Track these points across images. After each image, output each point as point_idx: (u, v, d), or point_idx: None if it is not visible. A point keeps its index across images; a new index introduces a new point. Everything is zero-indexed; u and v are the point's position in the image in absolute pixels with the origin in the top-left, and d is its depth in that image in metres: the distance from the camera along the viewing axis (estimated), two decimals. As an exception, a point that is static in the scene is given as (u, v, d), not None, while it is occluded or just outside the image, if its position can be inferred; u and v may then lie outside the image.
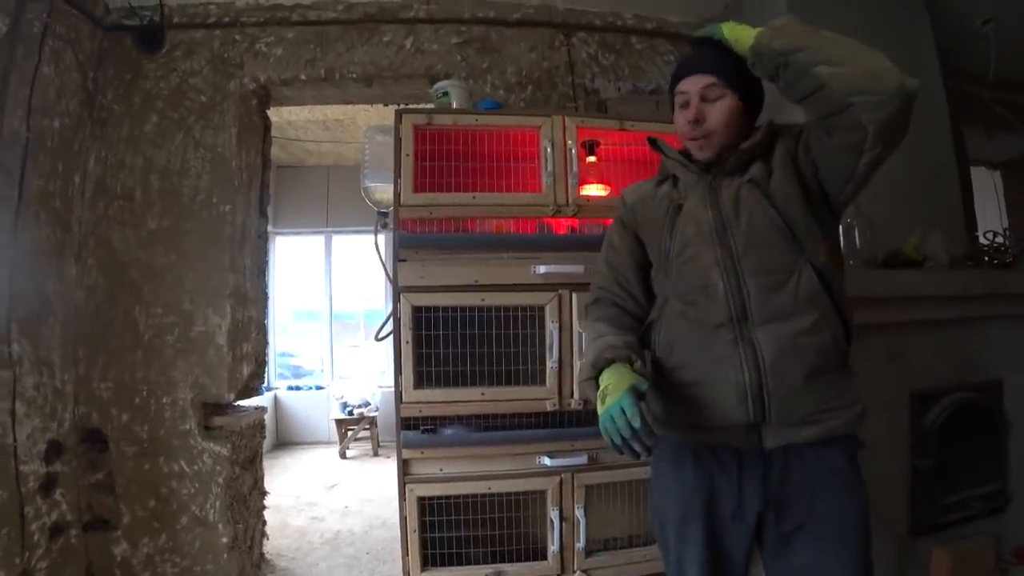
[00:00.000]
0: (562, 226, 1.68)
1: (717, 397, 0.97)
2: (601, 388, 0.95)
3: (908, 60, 2.11)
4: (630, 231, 1.17)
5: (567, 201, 1.63)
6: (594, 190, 1.78)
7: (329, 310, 5.24)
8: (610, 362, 0.97)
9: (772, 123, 1.03)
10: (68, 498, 1.92)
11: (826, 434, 0.94)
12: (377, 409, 4.58)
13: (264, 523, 2.45)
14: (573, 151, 1.64)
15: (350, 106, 3.12)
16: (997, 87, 2.46)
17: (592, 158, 1.81)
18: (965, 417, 1.87)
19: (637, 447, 0.88)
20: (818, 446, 0.95)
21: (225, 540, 2.07)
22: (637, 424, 0.86)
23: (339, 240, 5.28)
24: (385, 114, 1.80)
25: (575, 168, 1.64)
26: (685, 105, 1.03)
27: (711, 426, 0.98)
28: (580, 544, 1.62)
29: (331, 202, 5.14)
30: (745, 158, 1.02)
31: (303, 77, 2.29)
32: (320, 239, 5.27)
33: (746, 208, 0.99)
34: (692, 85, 1.01)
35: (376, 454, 4.46)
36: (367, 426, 4.52)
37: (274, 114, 2.53)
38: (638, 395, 0.90)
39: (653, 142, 1.14)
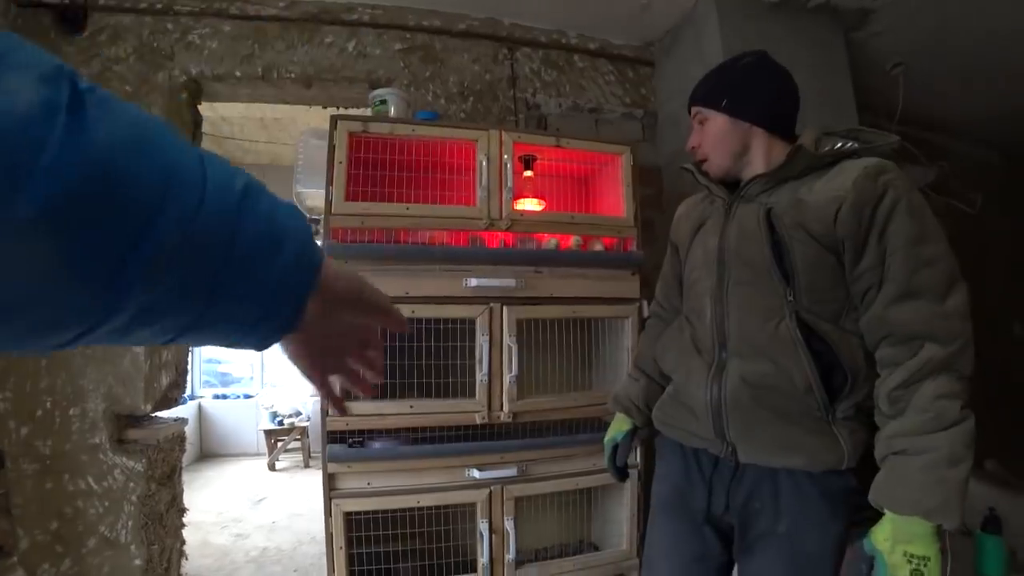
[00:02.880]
0: (495, 239, 1.69)
1: (693, 407, 1.05)
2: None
3: (828, 96, 2.30)
4: (674, 246, 1.26)
5: (501, 215, 1.64)
6: (529, 204, 1.81)
7: (263, 315, 5.03)
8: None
9: (801, 148, 0.95)
10: (-46, 521, 1.75)
11: (792, 467, 0.94)
12: (308, 419, 4.43)
13: (183, 542, 2.31)
14: (509, 166, 1.66)
15: (289, 106, 3.02)
16: (906, 123, 2.68)
17: (529, 173, 1.84)
18: None
19: (611, 474, 1.31)
20: (794, 472, 0.95)
21: (138, 562, 1.94)
22: (604, 463, 1.33)
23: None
24: (325, 116, 1.75)
25: (510, 183, 1.66)
26: None
27: (693, 431, 1.06)
28: (510, 556, 1.62)
29: (267, 203, 4.95)
30: (769, 183, 1.00)
31: (238, 74, 2.20)
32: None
33: (747, 244, 0.99)
34: (692, 115, 1.11)
35: (307, 466, 4.32)
36: (298, 437, 4.37)
37: (207, 108, 2.42)
38: (614, 443, 1.30)
39: (687, 170, 1.15)
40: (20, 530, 1.87)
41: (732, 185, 1.08)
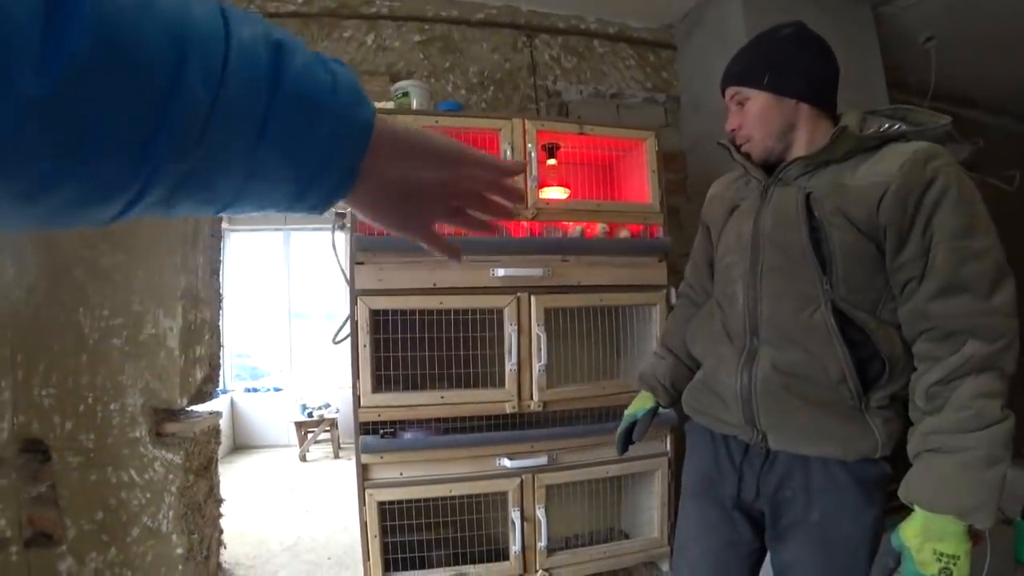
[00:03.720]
0: (521, 229, 1.68)
1: (723, 395, 1.03)
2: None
3: (857, 74, 2.23)
4: (705, 227, 1.21)
5: (526, 204, 1.64)
6: (554, 193, 1.80)
7: (288, 309, 5.12)
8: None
9: (846, 130, 0.90)
10: (7, 513, 1.82)
11: (825, 455, 0.93)
12: (338, 411, 4.50)
13: (221, 531, 2.37)
14: (533, 154, 1.65)
15: (311, 102, 3.05)
16: (939, 100, 2.59)
17: (552, 161, 1.82)
18: None
19: (617, 445, 1.29)
20: (826, 460, 0.93)
21: (180, 551, 2.00)
22: (617, 433, 1.29)
23: (298, 238, 5.15)
24: (346, 112, 1.79)
25: (535, 171, 1.65)
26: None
27: (722, 418, 1.04)
28: (542, 544, 1.64)
29: (290, 199, 5.00)
30: (810, 165, 0.95)
31: (260, 72, 2.23)
32: (279, 236, 5.13)
33: (783, 229, 0.95)
34: (727, 97, 1.04)
35: (337, 456, 4.38)
36: (327, 428, 4.44)
37: (230, 108, 2.46)
38: (633, 419, 1.27)
39: (724, 147, 1.09)
40: (68, 520, 1.94)
41: (769, 167, 1.02)
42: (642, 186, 1.81)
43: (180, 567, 1.99)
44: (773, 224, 0.97)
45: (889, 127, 0.93)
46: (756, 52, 1.01)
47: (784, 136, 0.98)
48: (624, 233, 1.76)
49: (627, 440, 1.28)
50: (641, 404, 1.28)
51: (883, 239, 0.88)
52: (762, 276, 0.98)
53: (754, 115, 0.99)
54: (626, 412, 1.30)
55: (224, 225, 4.21)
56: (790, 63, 0.96)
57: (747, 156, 1.04)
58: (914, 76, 2.61)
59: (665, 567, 1.80)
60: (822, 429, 0.92)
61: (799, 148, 0.98)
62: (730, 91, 1.03)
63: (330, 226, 2.01)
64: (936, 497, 0.79)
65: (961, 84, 2.88)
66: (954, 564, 0.77)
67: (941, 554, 0.77)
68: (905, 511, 0.85)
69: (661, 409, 1.29)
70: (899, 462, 0.90)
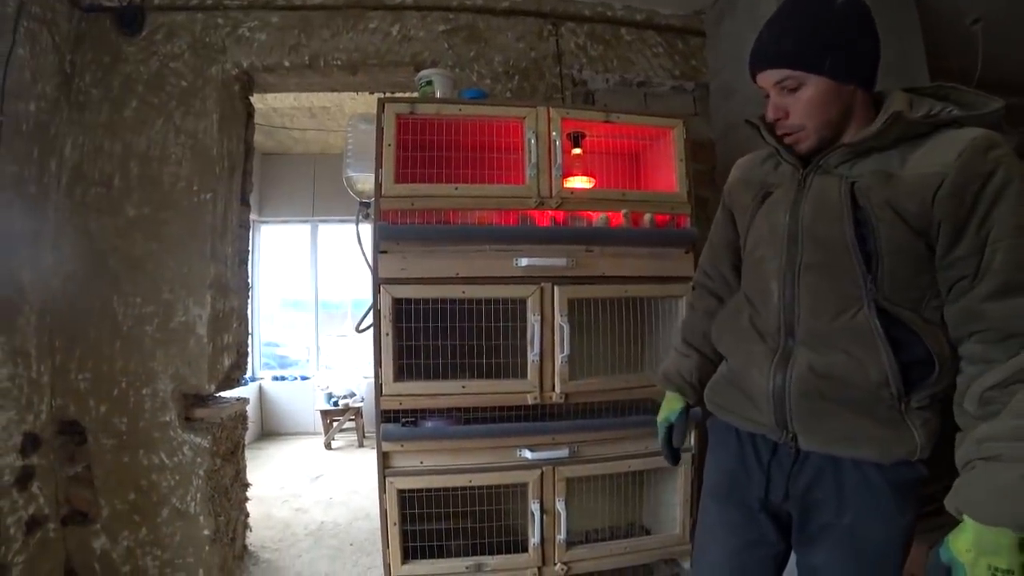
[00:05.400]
0: (545, 218, 1.66)
1: (752, 395, 0.99)
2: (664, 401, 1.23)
3: (896, 59, 2.13)
4: (727, 211, 1.14)
5: (551, 193, 1.62)
6: (579, 182, 1.77)
7: (315, 299, 5.20)
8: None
9: (900, 115, 0.82)
10: (45, 491, 1.90)
11: (860, 457, 0.89)
12: (363, 400, 4.57)
13: (247, 515, 2.43)
14: (558, 143, 1.62)
15: (336, 93, 3.07)
16: (984, 87, 2.47)
17: (578, 150, 1.80)
18: None
19: (665, 457, 1.20)
20: (860, 462, 0.89)
21: (207, 532, 2.05)
22: (659, 445, 1.21)
23: (326, 229, 5.24)
24: (372, 102, 1.77)
25: (559, 160, 1.62)
26: (768, 96, 0.93)
27: (751, 417, 1.00)
28: (561, 536, 1.62)
29: (317, 191, 5.09)
30: (853, 152, 0.88)
31: (287, 64, 2.25)
32: (307, 228, 5.22)
33: (824, 222, 0.88)
34: (766, 81, 0.91)
35: (362, 445, 4.46)
36: (352, 417, 4.51)
37: (258, 101, 2.49)
38: (668, 424, 1.19)
39: (753, 126, 1.01)
40: (102, 500, 2.01)
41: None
42: (669, 176, 1.77)
43: (207, 547, 2.04)
44: (813, 217, 0.90)
45: (940, 110, 0.85)
46: (811, 28, 0.87)
47: (838, 125, 0.89)
48: (647, 219, 1.71)
49: (671, 448, 1.19)
50: (671, 407, 1.20)
51: (935, 235, 0.82)
52: (800, 274, 0.92)
53: (809, 103, 0.88)
54: (659, 420, 1.22)
55: (253, 216, 4.30)
56: (853, 44, 0.86)
57: (779, 139, 0.95)
58: (957, 61, 2.47)
59: (686, 564, 1.77)
60: (859, 432, 0.88)
61: (848, 136, 0.90)
62: (776, 74, 0.89)
63: (354, 217, 2.03)
64: (994, 508, 0.73)
65: (1007, 68, 2.72)
66: None
67: (996, 569, 0.72)
68: (944, 517, 0.80)
69: (692, 409, 1.22)
70: (938, 463, 0.85)
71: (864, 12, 0.89)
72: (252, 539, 2.49)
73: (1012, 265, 0.77)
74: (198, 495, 2.05)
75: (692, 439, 1.74)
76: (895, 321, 0.85)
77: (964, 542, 0.75)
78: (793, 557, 1.02)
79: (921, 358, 0.84)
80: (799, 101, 0.89)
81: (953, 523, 0.78)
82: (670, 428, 1.19)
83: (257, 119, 2.54)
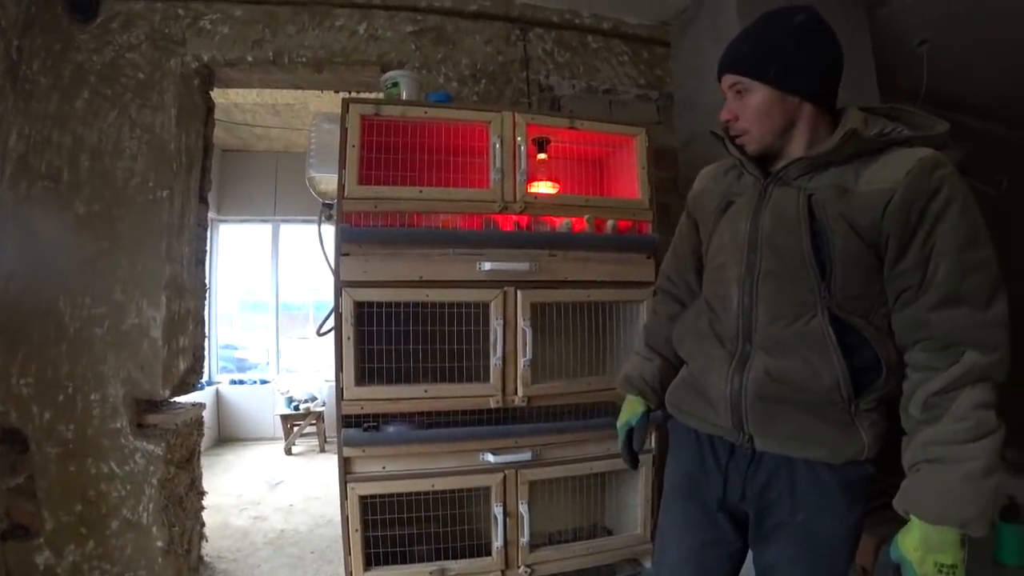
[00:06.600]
0: (509, 223, 1.67)
1: (711, 398, 1.01)
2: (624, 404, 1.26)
3: (849, 76, 2.22)
4: (691, 218, 1.17)
5: (515, 198, 1.63)
6: (543, 187, 1.79)
7: (276, 301, 5.07)
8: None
9: (856, 133, 0.87)
10: (-17, 503, 1.80)
11: (813, 457, 0.92)
12: (324, 404, 4.47)
13: (202, 524, 2.35)
14: (523, 148, 1.64)
15: (301, 91, 3.01)
16: (929, 103, 2.60)
17: (543, 155, 1.81)
18: None
19: (625, 460, 1.23)
20: (812, 462, 0.93)
21: (160, 544, 1.98)
22: (619, 448, 1.23)
23: (287, 229, 5.10)
24: (337, 101, 1.74)
25: (524, 165, 1.63)
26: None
27: (709, 419, 1.03)
28: (524, 539, 1.63)
29: (279, 190, 4.94)
30: (811, 166, 0.92)
31: (250, 59, 2.19)
32: (267, 228, 5.08)
33: (782, 232, 0.92)
34: (724, 84, 0.98)
35: (323, 450, 4.36)
36: (313, 421, 4.41)
37: (220, 95, 2.42)
38: (629, 427, 1.21)
39: (718, 137, 1.05)
40: (45, 512, 1.91)
41: (763, 160, 0.99)
42: (632, 182, 1.81)
43: (160, 560, 1.97)
44: (772, 226, 0.93)
45: (892, 130, 0.91)
46: (763, 39, 0.94)
47: (782, 134, 0.95)
48: (609, 225, 1.74)
49: (631, 452, 1.21)
50: (632, 410, 1.23)
51: (884, 246, 0.86)
52: (759, 281, 0.95)
53: (754, 109, 0.94)
54: (619, 423, 1.24)
55: (212, 215, 4.17)
56: (799, 59, 0.91)
57: (741, 149, 1.00)
58: (905, 79, 2.61)
59: (648, 564, 1.80)
60: (811, 433, 0.91)
61: (797, 146, 0.95)
62: (730, 78, 0.96)
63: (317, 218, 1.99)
64: (939, 509, 0.78)
65: (951, 87, 2.88)
66: (953, 573, 0.78)
67: (942, 565, 0.78)
68: (887, 511, 0.85)
69: (652, 413, 1.24)
70: (882, 462, 0.90)
71: (818, 29, 0.94)
72: (208, 549, 2.41)
73: (954, 278, 0.81)
74: (151, 505, 1.97)
75: (653, 441, 1.77)
76: (847, 328, 0.88)
77: (912, 541, 0.80)
78: (750, 555, 1.06)
79: (870, 363, 0.88)
80: (747, 106, 0.95)
81: (898, 516, 0.83)
82: (630, 432, 1.21)
83: (218, 114, 2.47)
